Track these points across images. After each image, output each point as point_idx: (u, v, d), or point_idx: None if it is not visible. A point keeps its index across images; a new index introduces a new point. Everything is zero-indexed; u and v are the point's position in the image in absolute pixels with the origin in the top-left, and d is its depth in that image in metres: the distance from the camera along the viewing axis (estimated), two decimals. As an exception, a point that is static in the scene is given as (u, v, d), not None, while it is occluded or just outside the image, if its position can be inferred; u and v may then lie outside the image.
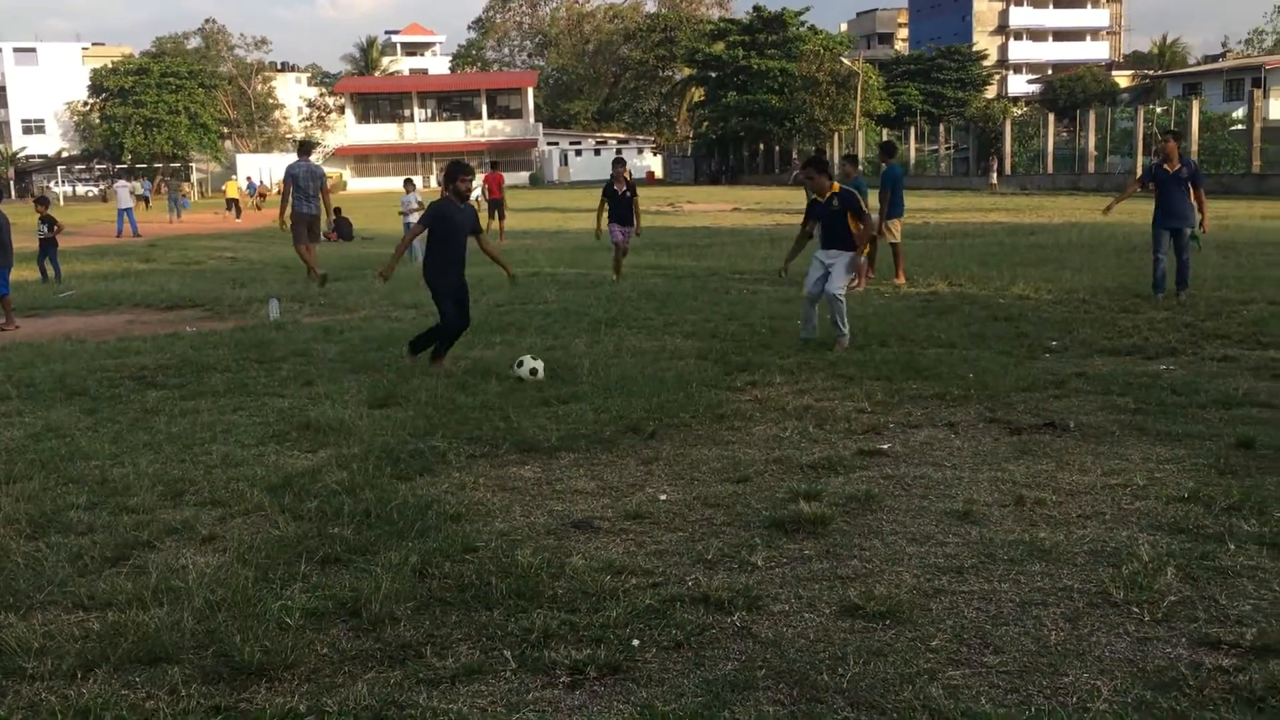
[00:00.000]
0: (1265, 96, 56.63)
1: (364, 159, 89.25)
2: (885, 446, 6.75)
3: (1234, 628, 4.01)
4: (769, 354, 9.82)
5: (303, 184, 16.86)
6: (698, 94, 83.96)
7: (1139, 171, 31.09)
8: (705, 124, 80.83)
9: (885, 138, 66.27)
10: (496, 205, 26.95)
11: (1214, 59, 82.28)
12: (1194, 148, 43.31)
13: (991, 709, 3.49)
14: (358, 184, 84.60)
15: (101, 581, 4.80)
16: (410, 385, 8.74)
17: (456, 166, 9.49)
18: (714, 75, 77.75)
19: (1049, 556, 4.80)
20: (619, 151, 79.63)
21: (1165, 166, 12.71)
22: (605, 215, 15.80)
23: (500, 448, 6.90)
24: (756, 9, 76.22)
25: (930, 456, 6.52)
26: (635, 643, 4.08)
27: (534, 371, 8.83)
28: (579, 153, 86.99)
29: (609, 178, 15.98)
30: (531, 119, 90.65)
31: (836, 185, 10.52)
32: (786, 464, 6.43)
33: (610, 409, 7.74)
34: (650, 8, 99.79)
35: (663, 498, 5.88)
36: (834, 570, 4.75)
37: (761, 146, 74.75)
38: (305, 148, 17.77)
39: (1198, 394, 7.79)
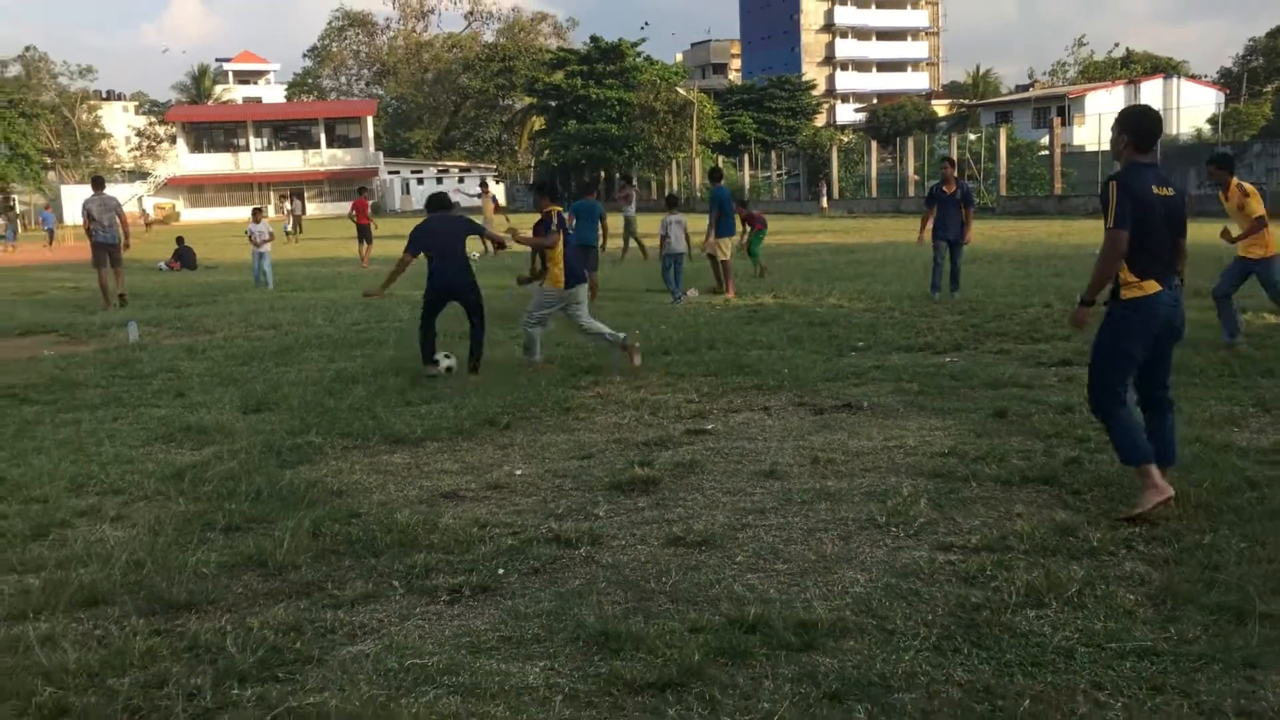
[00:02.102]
0: (1068, 124, 61.06)
1: (198, 189, 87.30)
2: (709, 427, 7.86)
3: (964, 536, 5.22)
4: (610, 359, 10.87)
5: (98, 216, 18.00)
6: (538, 122, 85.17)
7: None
8: (546, 152, 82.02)
9: (719, 164, 68.63)
10: (364, 231, 27.37)
11: (1024, 89, 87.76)
12: (1002, 172, 46.58)
13: (776, 594, 4.58)
14: (193, 214, 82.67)
15: (28, 552, 5.49)
16: (281, 392, 9.47)
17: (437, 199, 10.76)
18: (554, 104, 79.09)
19: (833, 498, 5.96)
20: (465, 179, 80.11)
21: (944, 189, 14.64)
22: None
23: (371, 440, 7.75)
24: (594, 40, 77.95)
25: (746, 433, 7.66)
26: (500, 571, 5.03)
27: (449, 370, 10.11)
28: (420, 181, 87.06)
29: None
30: (371, 148, 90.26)
31: (558, 206, 11.00)
32: (624, 443, 7.47)
33: (468, 406, 8.66)
34: (489, 37, 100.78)
35: (518, 472, 6.84)
36: (662, 515, 5.80)
37: (602, 174, 76.33)
38: (98, 182, 18.76)
39: (972, 379, 9.17)
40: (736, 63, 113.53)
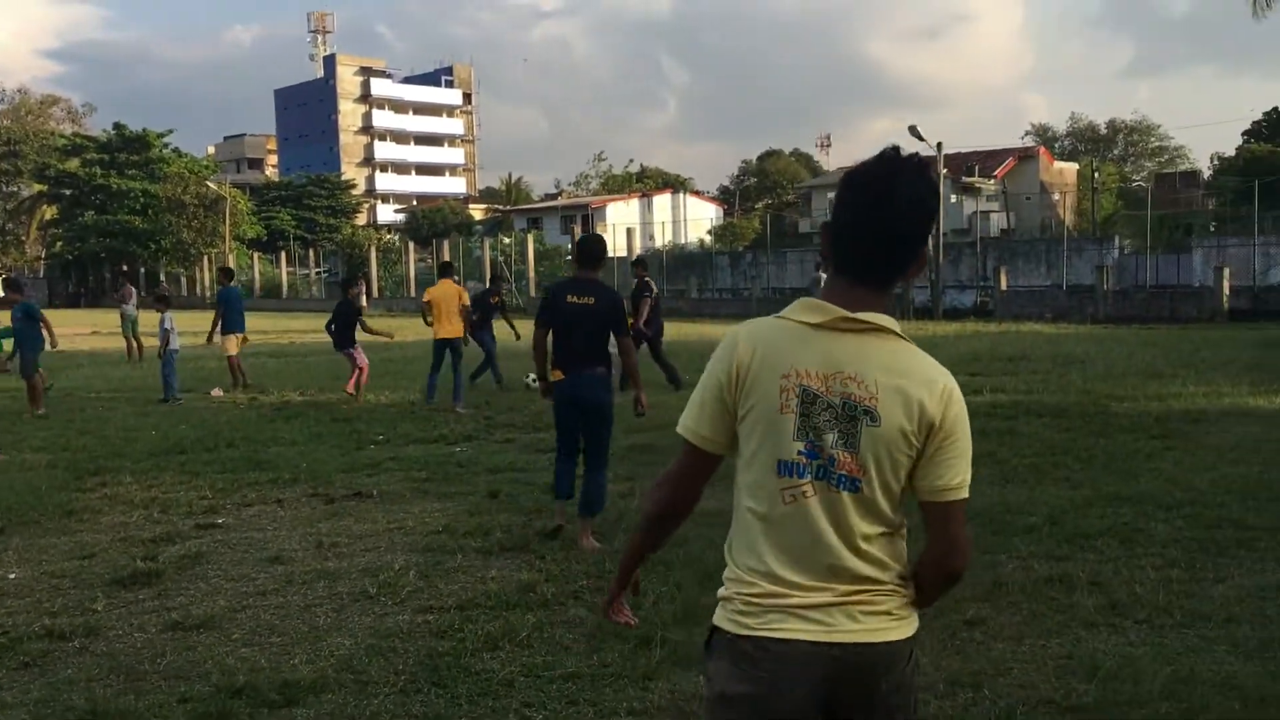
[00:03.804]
0: (592, 230, 65.99)
1: None
2: (220, 521, 8.12)
3: (443, 599, 5.98)
4: (122, 460, 10.70)
5: None
6: (50, 211, 78.79)
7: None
8: (60, 244, 75.98)
9: (254, 261, 67.07)
10: None
11: (552, 197, 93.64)
12: (531, 275, 49.51)
13: (266, 663, 5.05)
14: None
15: None
16: None
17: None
18: (69, 193, 73.67)
19: (332, 576, 6.50)
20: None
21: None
22: None
23: None
24: (118, 127, 73.84)
25: (257, 524, 8.01)
26: (-13, 668, 5.09)
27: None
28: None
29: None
30: None
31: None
32: (130, 540, 7.55)
33: (-44, 514, 8.27)
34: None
35: (11, 576, 6.75)
36: (163, 605, 6.05)
37: (125, 268, 71.77)
38: None
39: (476, 465, 10.09)
40: (274, 158, 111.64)
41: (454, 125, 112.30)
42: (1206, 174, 66.21)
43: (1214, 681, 4.52)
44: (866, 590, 2.26)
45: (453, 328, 14.40)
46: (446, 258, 53.95)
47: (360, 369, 15.35)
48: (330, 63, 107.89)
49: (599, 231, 50.00)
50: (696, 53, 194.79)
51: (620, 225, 58.87)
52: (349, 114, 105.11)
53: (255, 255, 69.19)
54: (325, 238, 77.31)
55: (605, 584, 6.11)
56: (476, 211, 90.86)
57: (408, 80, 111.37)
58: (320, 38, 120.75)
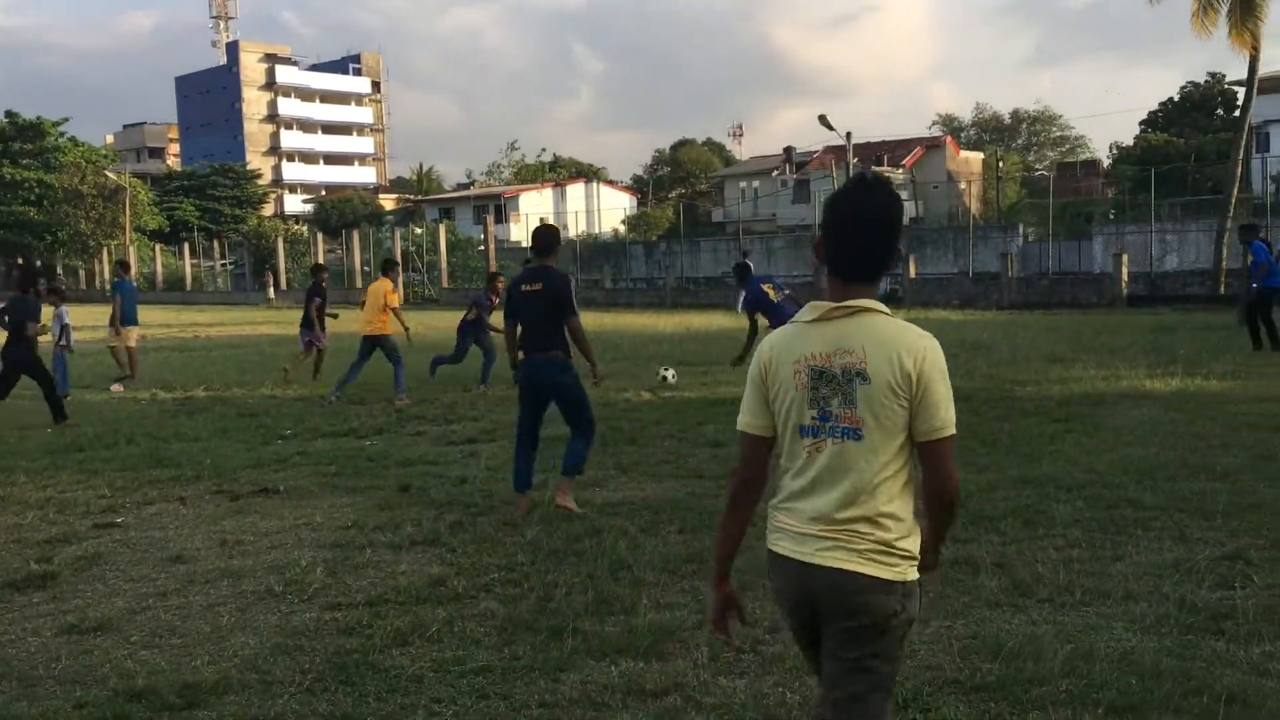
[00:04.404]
0: (505, 221, 65.61)
1: None
2: (119, 520, 7.88)
3: (351, 595, 5.87)
4: (16, 458, 10.34)
5: None
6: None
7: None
8: (-51, 236, 73.23)
9: (156, 253, 65.43)
10: None
11: (465, 187, 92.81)
12: (444, 265, 49.02)
13: (167, 665, 4.91)
14: None
15: None
16: None
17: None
18: (-41, 183, 70.99)
19: (236, 575, 6.35)
20: None
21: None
22: None
23: None
24: (10, 115, 71.37)
25: (158, 523, 7.79)
26: None
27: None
28: None
29: None
30: None
31: None
32: (24, 543, 7.28)
33: None
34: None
35: (-104, 582, 6.47)
36: (58, 608, 5.85)
37: (21, 260, 69.43)
38: None
39: (387, 459, 9.94)
40: (175, 147, 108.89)
41: (363, 114, 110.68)
42: (1106, 163, 68.02)
43: (1112, 657, 4.63)
44: (856, 528, 2.79)
45: (376, 325, 14.27)
46: (358, 248, 53.27)
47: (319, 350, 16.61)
48: (233, 49, 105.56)
49: (514, 222, 49.46)
50: (610, 41, 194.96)
51: (534, 215, 58.68)
52: (253, 102, 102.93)
53: (157, 247, 67.48)
54: (231, 229, 75.67)
55: (517, 576, 6.09)
56: (387, 202, 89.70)
57: (314, 68, 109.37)
58: (223, 24, 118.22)
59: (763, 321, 11.96)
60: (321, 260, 55.14)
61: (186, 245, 65.84)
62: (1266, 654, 4.65)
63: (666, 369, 14.03)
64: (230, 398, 14.83)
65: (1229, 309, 23.84)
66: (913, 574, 2.84)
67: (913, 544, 2.84)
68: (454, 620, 5.38)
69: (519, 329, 7.65)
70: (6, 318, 12.69)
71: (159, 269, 65.88)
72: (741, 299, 12.31)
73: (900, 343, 2.79)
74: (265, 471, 9.58)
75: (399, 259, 42.85)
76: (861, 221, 2.87)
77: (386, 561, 6.52)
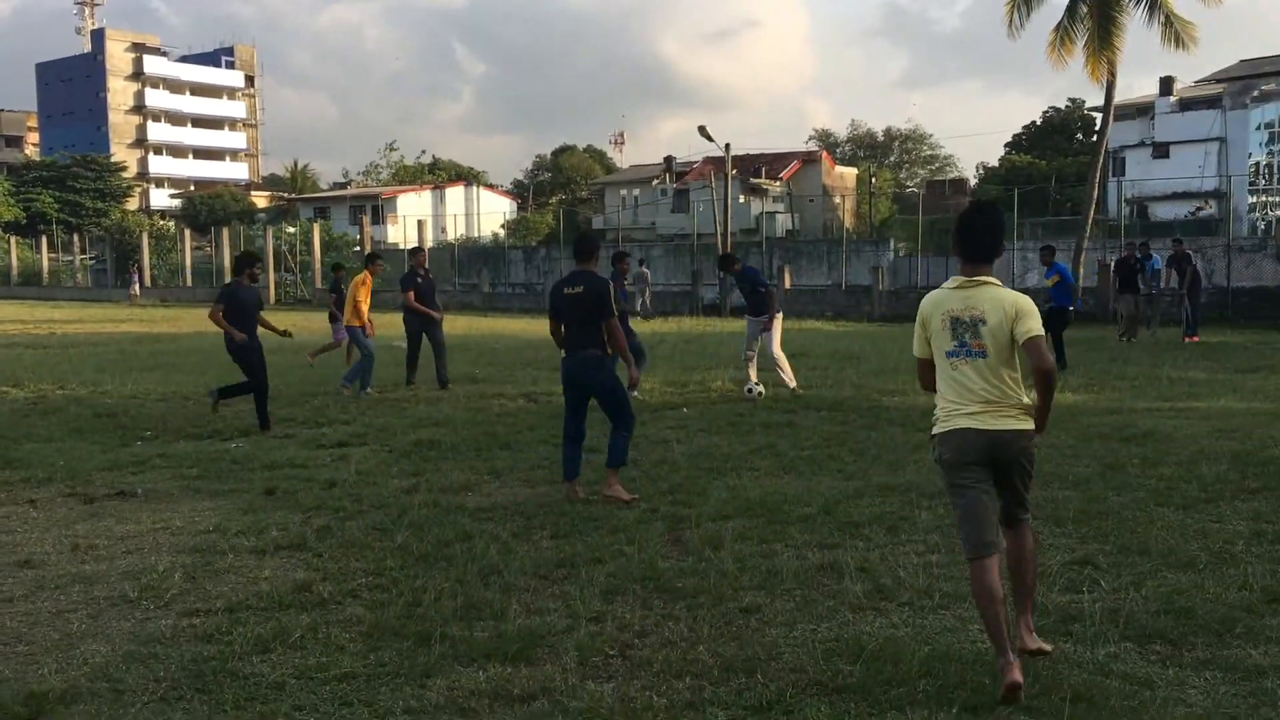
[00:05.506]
0: (382, 222, 64.57)
1: None
2: (-37, 524, 7.51)
3: (211, 601, 5.70)
4: None
5: None
6: None
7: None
8: None
9: (11, 245, 62.66)
10: None
11: (341, 186, 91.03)
12: (317, 265, 48.05)
13: (11, 674, 4.70)
14: None
15: None
16: None
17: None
18: None
19: (89, 580, 6.11)
20: None
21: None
22: None
23: None
24: None
25: (5, 526, 7.44)
26: None
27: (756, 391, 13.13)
28: None
29: None
30: None
31: None
32: None
33: None
34: None
35: None
36: (-108, 616, 5.54)
37: None
38: None
39: (253, 462, 9.68)
40: (35, 136, 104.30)
41: (235, 108, 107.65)
42: (973, 182, 70.34)
43: (968, 659, 4.78)
44: (999, 404, 4.56)
45: (350, 317, 14.82)
46: (228, 245, 51.77)
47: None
48: (99, 37, 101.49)
49: (392, 223, 48.95)
50: (492, 45, 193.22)
51: (412, 217, 57.94)
52: (119, 92, 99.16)
53: (13, 239, 64.60)
54: (92, 222, 72.89)
55: (385, 581, 6.00)
56: (260, 199, 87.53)
57: (185, 59, 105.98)
58: (88, 10, 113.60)
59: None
60: (199, 256, 53.62)
61: (45, 238, 63.18)
62: (1111, 655, 4.86)
63: (756, 384, 13.45)
64: (84, 397, 14.26)
65: (1085, 325, 24.87)
66: (1031, 425, 4.63)
67: (1029, 410, 4.63)
68: (318, 626, 5.26)
69: (561, 328, 8.34)
70: None
71: (14, 262, 63.03)
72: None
73: (1005, 300, 4.54)
74: (122, 474, 9.24)
75: (260, 256, 41.93)
76: (981, 228, 4.71)
77: (249, 566, 6.35)
